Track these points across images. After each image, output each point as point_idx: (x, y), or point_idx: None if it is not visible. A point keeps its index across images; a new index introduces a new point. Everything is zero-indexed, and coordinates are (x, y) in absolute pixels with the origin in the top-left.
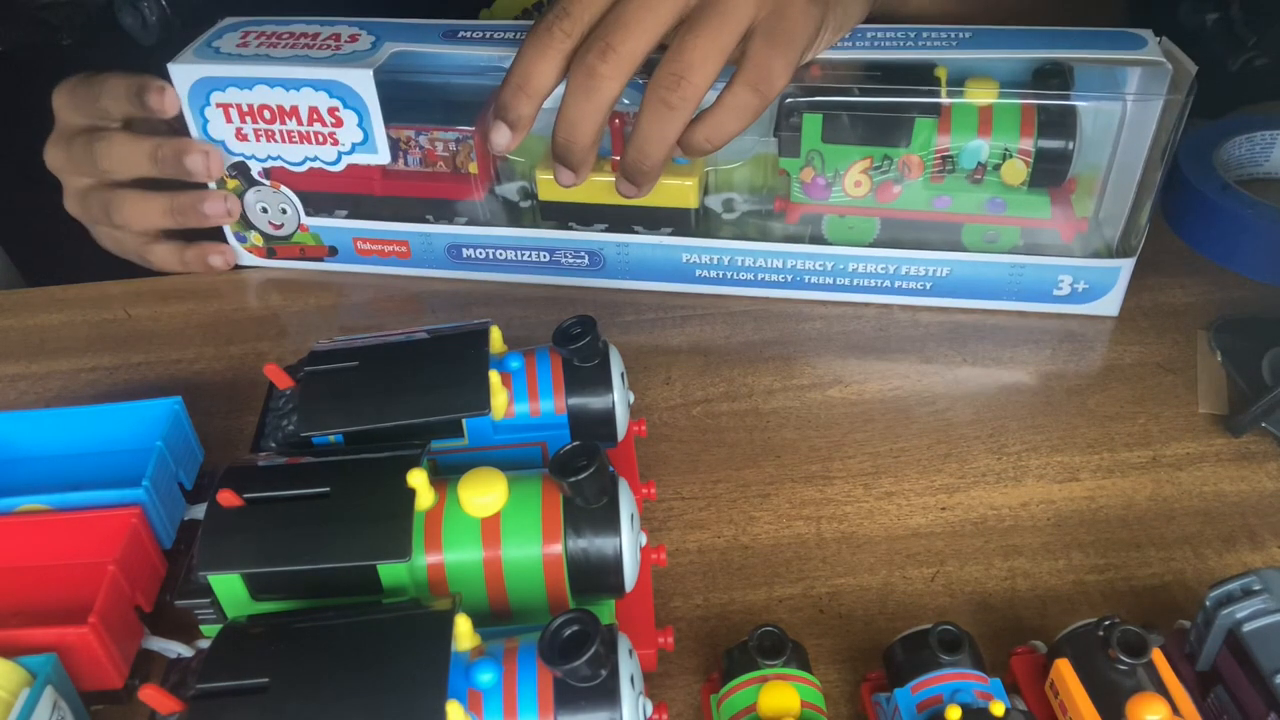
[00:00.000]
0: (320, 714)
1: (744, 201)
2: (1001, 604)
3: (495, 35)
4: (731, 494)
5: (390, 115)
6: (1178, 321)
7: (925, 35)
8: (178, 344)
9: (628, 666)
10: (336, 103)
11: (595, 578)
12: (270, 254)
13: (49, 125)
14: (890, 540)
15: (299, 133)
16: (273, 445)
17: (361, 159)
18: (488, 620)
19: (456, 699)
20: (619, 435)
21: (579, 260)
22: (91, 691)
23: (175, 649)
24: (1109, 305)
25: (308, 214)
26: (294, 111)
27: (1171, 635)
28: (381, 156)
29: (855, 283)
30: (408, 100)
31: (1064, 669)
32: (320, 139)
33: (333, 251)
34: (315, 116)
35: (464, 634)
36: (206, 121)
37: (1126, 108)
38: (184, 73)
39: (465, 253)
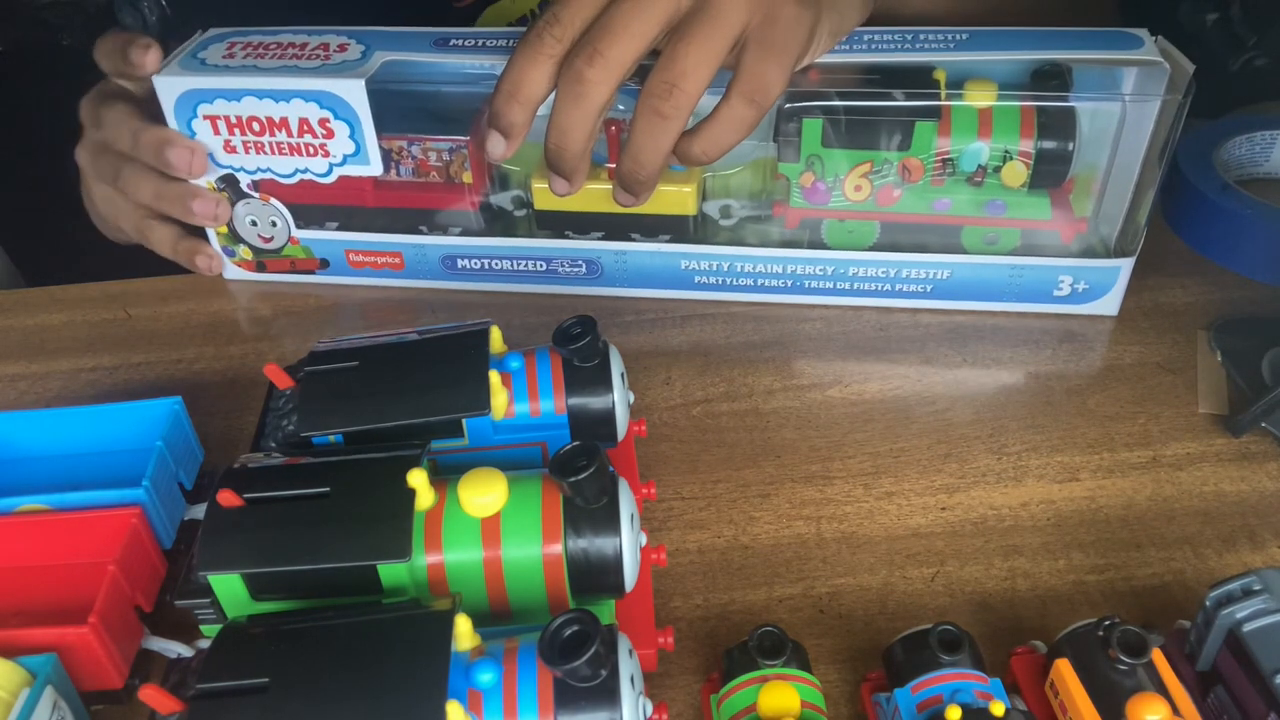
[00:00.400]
0: (320, 714)
1: (741, 207)
2: (1001, 604)
3: (487, 43)
4: (731, 494)
5: (382, 125)
6: (1178, 321)
7: (923, 37)
8: (178, 344)
9: (628, 666)
10: (327, 114)
11: (595, 578)
12: (260, 268)
13: (49, 125)
14: (890, 540)
15: (289, 144)
16: (273, 445)
17: (353, 170)
18: (488, 620)
19: (456, 699)
20: (619, 435)
21: (576, 269)
22: (91, 691)
23: (175, 649)
24: (1109, 305)
25: (298, 226)
26: (284, 123)
27: (1171, 635)
28: (374, 167)
29: (855, 286)
30: (400, 110)
31: (1064, 669)
32: (311, 150)
33: (324, 264)
34: (305, 128)
35: (464, 634)
36: (194, 134)
37: (1125, 108)
38: (170, 85)
39: (460, 263)
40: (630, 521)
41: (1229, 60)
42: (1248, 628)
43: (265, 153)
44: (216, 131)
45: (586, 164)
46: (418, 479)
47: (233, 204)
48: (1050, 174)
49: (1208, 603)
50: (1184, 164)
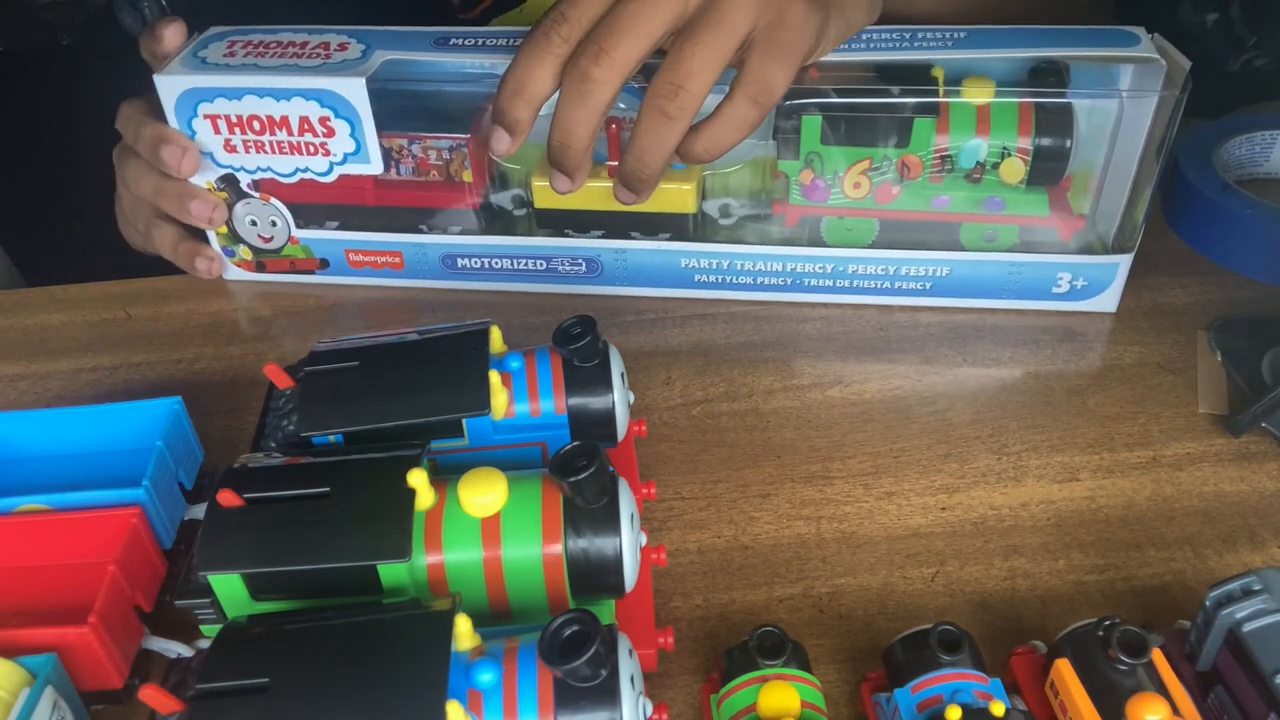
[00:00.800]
0: (320, 714)
1: (741, 206)
2: (1001, 604)
3: (487, 42)
4: (731, 494)
5: (382, 124)
6: (1178, 321)
7: (921, 36)
8: (178, 344)
9: (628, 666)
10: (328, 112)
11: (595, 578)
12: (259, 268)
13: (49, 125)
14: (890, 540)
15: (289, 143)
16: (273, 445)
17: (354, 169)
18: (488, 620)
19: (456, 699)
20: (619, 435)
21: (576, 268)
22: (91, 691)
23: (175, 649)
24: (1107, 302)
25: (298, 226)
26: (284, 122)
27: (1171, 635)
28: (374, 166)
29: (855, 284)
30: (400, 109)
31: (1064, 669)
32: (311, 149)
33: (324, 264)
34: (306, 127)
35: (464, 634)
36: (194, 133)
37: (1122, 105)
38: (170, 84)
39: (460, 262)
40: (630, 521)
41: (1229, 60)
42: (1248, 628)
43: (266, 152)
44: (217, 131)
45: (589, 162)
46: (418, 479)
47: (231, 206)
48: (1048, 171)
49: (1208, 603)
50: (1184, 164)
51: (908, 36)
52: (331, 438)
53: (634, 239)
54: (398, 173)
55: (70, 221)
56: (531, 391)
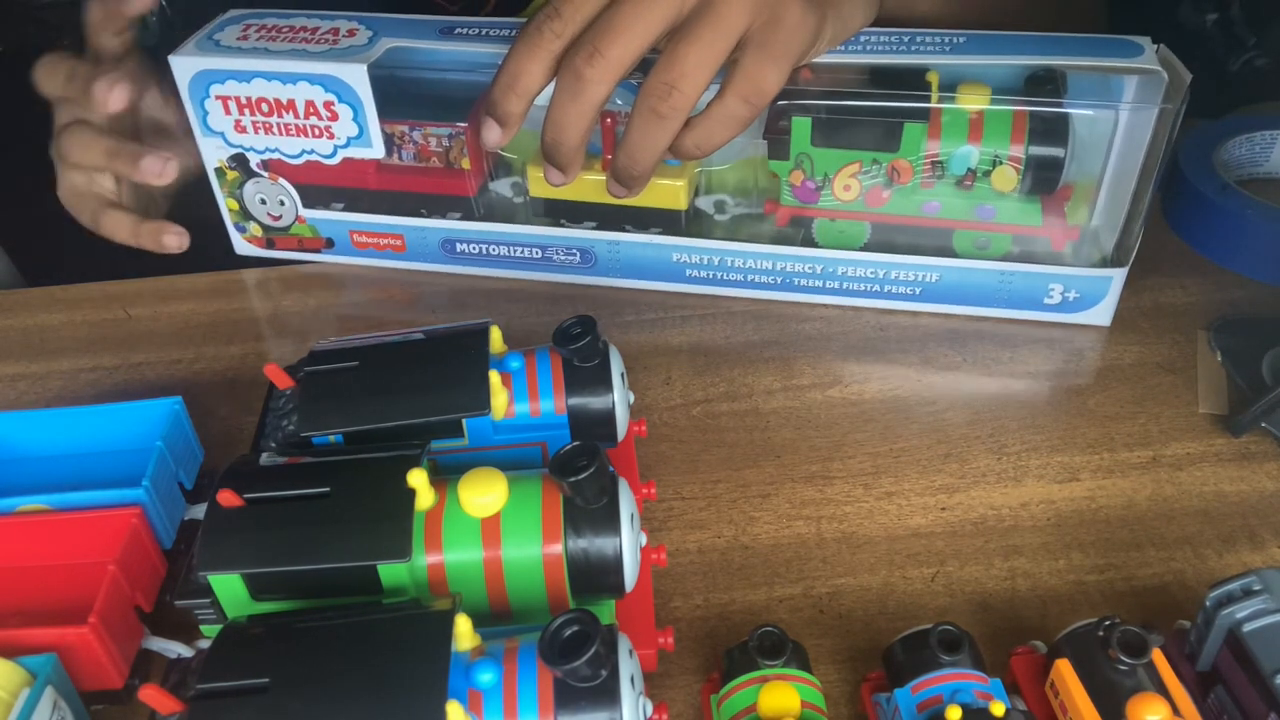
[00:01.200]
0: (320, 714)
1: (735, 204)
2: (1001, 604)
3: (491, 32)
4: (731, 494)
5: (385, 110)
6: (1178, 321)
7: (919, 40)
8: (178, 344)
9: (628, 666)
10: (332, 97)
11: (595, 578)
12: (269, 245)
13: (49, 125)
14: (890, 540)
15: (296, 125)
16: (273, 445)
17: (356, 153)
18: (488, 620)
19: (456, 699)
20: (619, 435)
21: (571, 257)
22: (91, 691)
23: (175, 649)
24: (1101, 315)
25: (305, 206)
26: (290, 105)
27: (1171, 635)
28: (376, 151)
29: (845, 286)
30: (403, 95)
31: (1064, 669)
32: (316, 132)
33: (329, 244)
34: (311, 110)
35: (464, 634)
36: (206, 114)
37: (1120, 116)
38: (184, 65)
39: (459, 247)
40: (630, 521)
41: (1229, 60)
42: (1248, 628)
43: (273, 133)
44: (228, 111)
45: (582, 157)
46: (418, 479)
47: (241, 185)
48: (1041, 180)
49: (1208, 603)
50: (1184, 164)
51: (906, 40)
52: (331, 438)
53: (627, 232)
54: (400, 158)
55: (70, 221)
56: (531, 391)
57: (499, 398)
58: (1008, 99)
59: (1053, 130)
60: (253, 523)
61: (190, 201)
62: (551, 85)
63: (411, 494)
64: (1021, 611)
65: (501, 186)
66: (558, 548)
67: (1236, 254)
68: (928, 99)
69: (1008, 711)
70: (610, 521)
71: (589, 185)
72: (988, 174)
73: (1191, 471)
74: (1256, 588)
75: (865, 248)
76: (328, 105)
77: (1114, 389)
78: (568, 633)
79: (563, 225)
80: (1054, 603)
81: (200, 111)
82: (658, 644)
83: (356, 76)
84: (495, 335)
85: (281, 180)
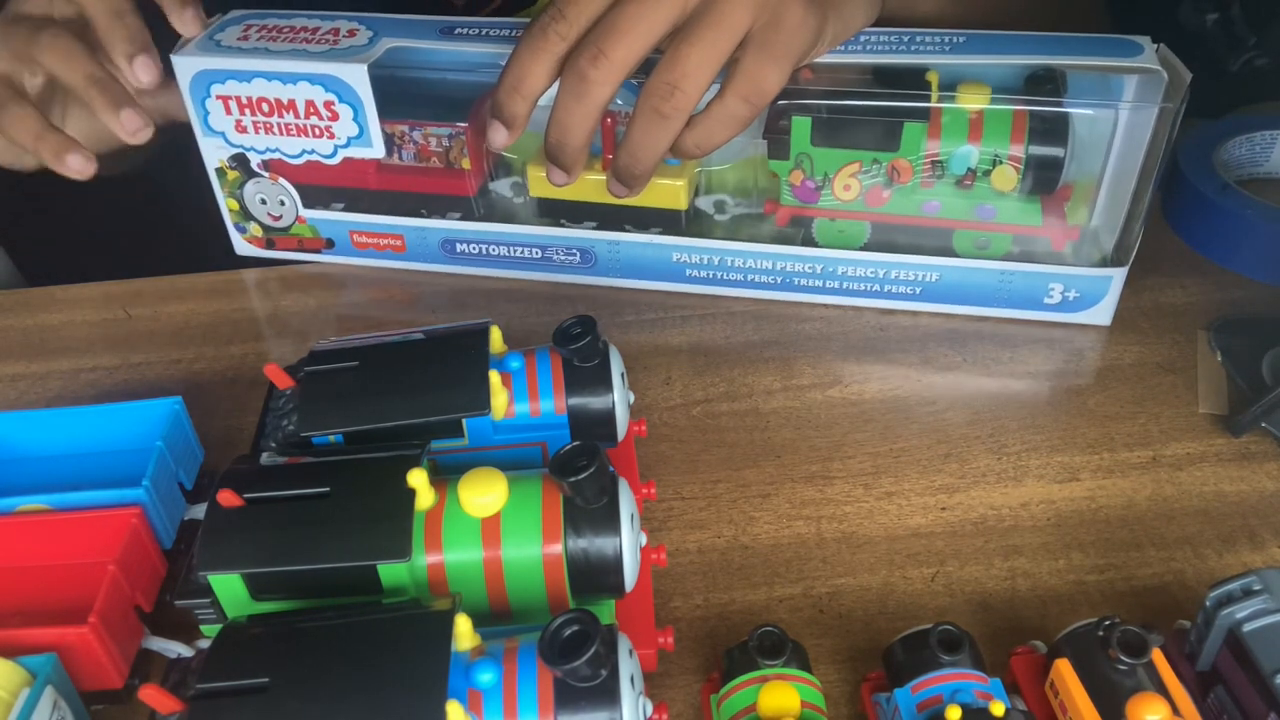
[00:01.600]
0: (320, 714)
1: (735, 204)
2: (1001, 604)
3: (491, 32)
4: (731, 494)
5: (385, 110)
6: (1178, 321)
7: (919, 39)
8: (178, 344)
9: (628, 666)
10: (332, 96)
11: (595, 578)
12: (269, 245)
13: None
14: (890, 540)
15: (296, 125)
16: (273, 445)
17: (356, 152)
18: (488, 620)
19: (456, 699)
20: (619, 435)
21: (571, 257)
22: (91, 691)
23: (175, 649)
24: (1101, 315)
25: (305, 206)
26: (291, 105)
27: (1171, 635)
28: (376, 150)
29: (845, 286)
30: (403, 95)
31: (1064, 669)
32: (316, 132)
33: (329, 244)
34: (312, 110)
35: (464, 634)
36: (207, 113)
37: (1120, 116)
38: (186, 64)
39: (459, 247)
40: (630, 521)
41: (1229, 60)
42: (1248, 628)
43: (274, 133)
44: (229, 111)
45: (585, 157)
46: (418, 479)
47: (242, 185)
48: (1041, 180)
49: (1208, 603)
50: (1184, 164)
51: (906, 40)
52: (331, 438)
53: (627, 231)
54: (400, 158)
55: (70, 221)
56: (531, 391)
57: (499, 398)
58: (1007, 98)
59: (1052, 130)
60: (253, 523)
61: (189, 200)
62: (554, 86)
63: (411, 494)
64: (1021, 611)
65: (501, 186)
66: (558, 548)
67: (1236, 254)
68: (927, 98)
69: (1008, 711)
70: (610, 521)
71: (589, 185)
72: (988, 174)
73: (1191, 471)
74: (1256, 588)
75: (865, 248)
76: (328, 105)
77: (1114, 389)
78: (568, 633)
79: (563, 225)
80: (1054, 603)
81: (201, 111)
82: (658, 644)
83: (357, 76)
84: (495, 335)
85: (282, 180)
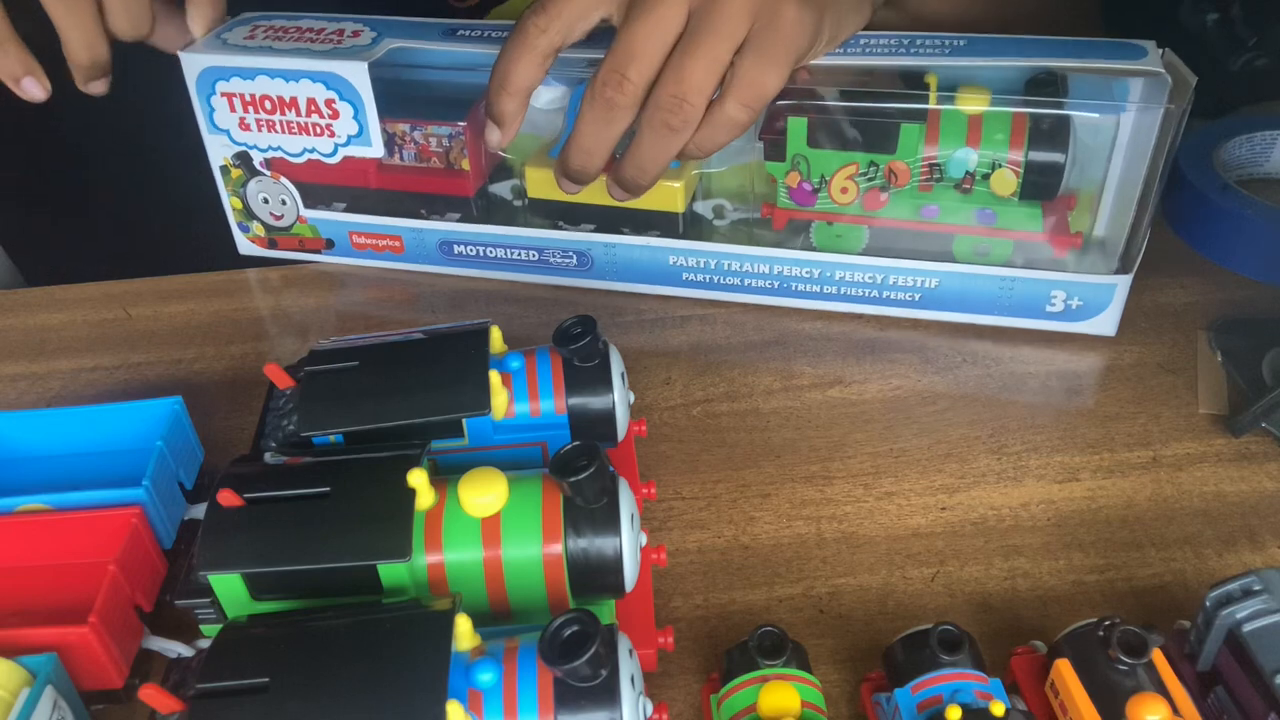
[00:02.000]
0: (320, 714)
1: (734, 209)
2: (1001, 604)
3: (493, 34)
4: (731, 494)
5: (386, 110)
6: (1178, 321)
7: (919, 42)
8: (178, 344)
9: (628, 666)
10: (333, 95)
11: (595, 578)
12: (272, 244)
13: (49, 126)
14: (890, 540)
15: (298, 124)
16: (273, 445)
17: (356, 151)
18: (488, 620)
19: (456, 699)
20: (619, 435)
21: (567, 260)
22: (91, 691)
23: (175, 649)
24: (1105, 324)
25: (306, 206)
26: (293, 103)
27: (1171, 635)
28: (376, 150)
29: (843, 291)
30: (404, 95)
31: (1064, 669)
32: (318, 130)
33: (329, 244)
34: (313, 108)
35: (464, 634)
36: (212, 110)
37: (1123, 120)
38: (192, 62)
39: (457, 249)
40: (630, 521)
41: (1229, 60)
42: (1248, 628)
43: (276, 131)
44: (233, 109)
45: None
46: (418, 479)
47: (245, 184)
48: (1041, 185)
49: (1208, 603)
50: (1184, 164)
51: (906, 42)
52: (332, 438)
53: (624, 234)
54: (401, 158)
55: (70, 221)
56: (532, 391)
57: (499, 397)
58: (1007, 100)
59: (1053, 134)
60: (253, 522)
61: (190, 201)
62: (545, 84)
63: (411, 494)
64: (1021, 611)
65: (500, 188)
66: (558, 548)
67: (1236, 254)
68: (924, 100)
69: (1008, 711)
70: (610, 521)
71: (588, 188)
72: (987, 178)
73: (1191, 471)
74: (1256, 588)
75: (864, 253)
76: (329, 103)
77: (1114, 389)
78: (568, 633)
79: (561, 227)
80: (1054, 603)
81: (207, 109)
82: (658, 644)
83: (357, 74)
84: (495, 335)
85: (283, 179)
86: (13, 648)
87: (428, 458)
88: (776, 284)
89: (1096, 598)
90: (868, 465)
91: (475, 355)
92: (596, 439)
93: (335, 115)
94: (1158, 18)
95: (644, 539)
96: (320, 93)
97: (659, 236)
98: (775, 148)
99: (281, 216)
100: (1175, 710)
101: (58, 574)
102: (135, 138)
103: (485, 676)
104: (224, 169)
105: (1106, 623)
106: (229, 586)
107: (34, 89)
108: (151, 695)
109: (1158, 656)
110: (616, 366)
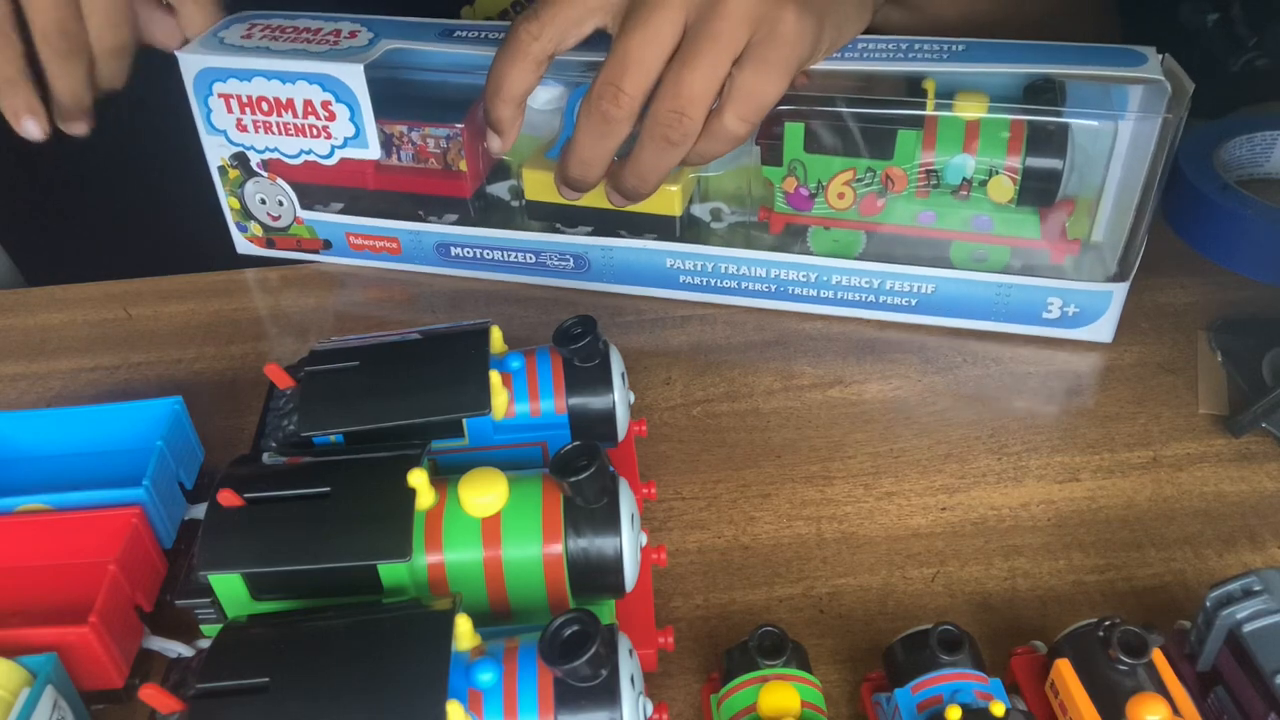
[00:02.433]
0: (320, 714)
1: (732, 213)
2: (1001, 604)
3: (490, 35)
4: (731, 494)
5: (384, 111)
6: (1178, 321)
7: (917, 47)
8: (178, 344)
9: (628, 666)
10: (329, 96)
11: (595, 578)
12: (270, 244)
13: (49, 124)
14: (890, 540)
15: (294, 125)
16: (273, 445)
17: (353, 153)
18: (488, 620)
19: (457, 699)
20: (619, 435)
21: (564, 263)
22: (92, 691)
23: (175, 649)
24: (1102, 331)
25: (303, 207)
26: (289, 104)
27: (1171, 635)
28: (372, 151)
29: (839, 295)
30: (402, 96)
31: (1064, 669)
32: (314, 132)
33: (327, 245)
34: (310, 109)
35: (464, 634)
36: (210, 111)
37: (1119, 127)
38: (189, 62)
39: (454, 251)
40: (630, 521)
41: (1229, 60)
42: (1248, 628)
43: (273, 132)
44: (229, 110)
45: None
46: (418, 479)
47: (242, 184)
48: (1038, 191)
49: (1208, 603)
50: (1184, 164)
51: (904, 47)
52: (332, 438)
53: (621, 237)
54: (399, 159)
55: (70, 221)
56: (532, 391)
57: (499, 397)
58: (1004, 107)
59: (1051, 141)
60: (253, 522)
61: (190, 200)
62: (542, 84)
63: (412, 494)
64: (1021, 611)
65: (499, 188)
66: (558, 548)
67: (1236, 254)
68: (922, 106)
69: (1008, 711)
70: (610, 521)
71: None
72: (984, 184)
73: (1192, 471)
74: (1256, 588)
75: (861, 258)
76: (325, 105)
77: (1114, 389)
78: (568, 633)
79: (558, 229)
80: (1054, 603)
81: (204, 109)
82: (658, 644)
83: (353, 76)
84: (496, 335)
85: (280, 180)
86: (13, 648)
87: (428, 458)
88: (773, 287)
89: (1096, 598)
90: (868, 465)
91: (475, 355)
92: (597, 439)
93: (332, 117)
94: (1157, 18)
95: (644, 539)
96: (316, 94)
97: (656, 239)
98: (772, 152)
99: (279, 217)
100: (1175, 710)
101: (58, 574)
102: (135, 138)
103: (485, 676)
104: (221, 169)
105: (1106, 623)
106: (229, 586)
107: (34, 129)
108: (151, 695)
109: (1158, 656)
110: (617, 366)
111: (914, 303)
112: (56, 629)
